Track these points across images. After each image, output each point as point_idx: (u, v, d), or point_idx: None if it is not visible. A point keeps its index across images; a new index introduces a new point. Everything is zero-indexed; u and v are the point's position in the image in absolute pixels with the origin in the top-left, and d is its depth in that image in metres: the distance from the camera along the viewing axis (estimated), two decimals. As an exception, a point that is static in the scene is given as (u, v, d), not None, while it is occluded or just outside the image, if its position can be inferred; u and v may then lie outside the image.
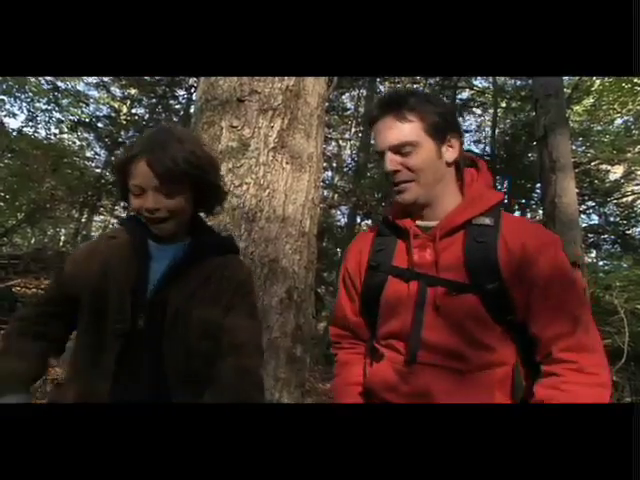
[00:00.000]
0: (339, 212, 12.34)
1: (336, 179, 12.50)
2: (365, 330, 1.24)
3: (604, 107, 10.22)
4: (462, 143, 1.15)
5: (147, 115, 12.01)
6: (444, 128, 1.10)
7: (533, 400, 1.01)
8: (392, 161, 1.09)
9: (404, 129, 1.08)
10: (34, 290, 6.97)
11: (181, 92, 11.55)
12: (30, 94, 9.56)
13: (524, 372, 1.08)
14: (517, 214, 12.24)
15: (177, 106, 12.71)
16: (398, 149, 1.08)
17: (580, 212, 7.63)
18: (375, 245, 1.21)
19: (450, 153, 1.12)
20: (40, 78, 9.27)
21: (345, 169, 12.75)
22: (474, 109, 13.02)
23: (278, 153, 1.85)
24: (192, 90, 11.50)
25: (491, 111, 12.12)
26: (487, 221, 1.10)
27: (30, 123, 9.71)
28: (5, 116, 9.42)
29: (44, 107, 9.93)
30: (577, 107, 10.62)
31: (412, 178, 1.09)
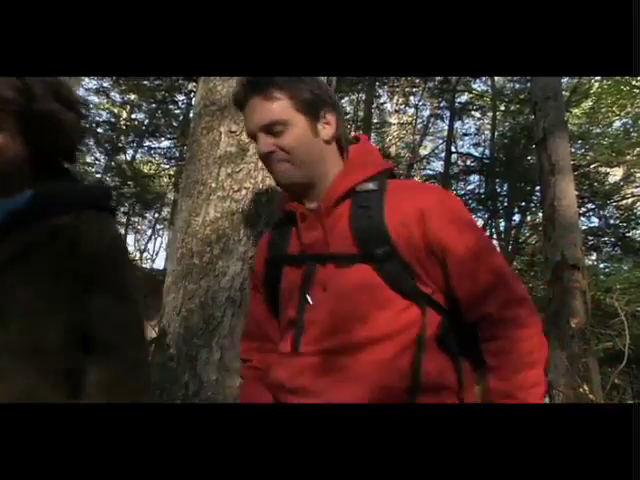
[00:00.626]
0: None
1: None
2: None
3: (603, 110, 10.25)
4: (340, 119, 1.09)
5: (147, 120, 12.05)
6: (317, 104, 1.05)
7: (487, 368, 0.97)
8: (265, 143, 1.03)
9: (273, 108, 1.02)
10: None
11: (181, 97, 11.58)
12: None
13: (433, 342, 0.98)
14: (517, 217, 12.24)
15: (177, 111, 12.73)
16: (269, 129, 1.03)
17: (580, 215, 7.64)
18: (272, 239, 1.16)
19: (327, 130, 1.06)
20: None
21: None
22: (473, 112, 13.04)
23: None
24: (191, 95, 11.51)
25: (490, 114, 12.15)
26: (371, 186, 1.03)
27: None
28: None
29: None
30: (576, 110, 10.64)
31: (286, 158, 1.03)
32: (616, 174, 10.89)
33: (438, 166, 13.44)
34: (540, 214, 8.55)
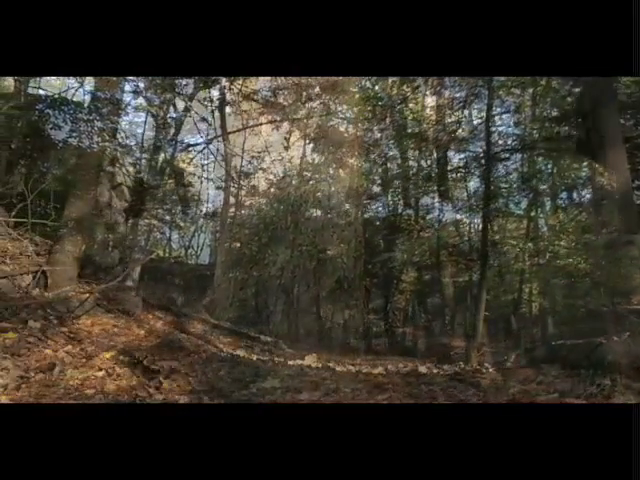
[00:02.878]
0: (379, 203, 12.26)
1: (375, 169, 12.41)
2: None
3: (654, 77, 9.69)
4: None
5: (183, 117, 12.26)
6: None
7: None
8: None
9: None
10: (87, 295, 7.25)
11: (215, 93, 11.73)
12: (72, 106, 9.90)
13: None
14: (563, 195, 11.78)
15: (211, 107, 12.89)
16: None
17: (634, 189, 7.27)
18: None
19: None
20: (80, 89, 9.59)
21: (383, 159, 12.66)
22: (512, 89, 12.59)
23: (319, 144, 1.85)
24: (225, 90, 11.63)
25: (530, 90, 11.71)
26: None
27: (74, 134, 10.05)
28: (51, 129, 9.79)
29: (86, 117, 10.26)
30: (625, 78, 10.10)
31: None
32: (671, 144, 10.30)
33: (477, 147, 13.09)
34: (589, 191, 8.19)
